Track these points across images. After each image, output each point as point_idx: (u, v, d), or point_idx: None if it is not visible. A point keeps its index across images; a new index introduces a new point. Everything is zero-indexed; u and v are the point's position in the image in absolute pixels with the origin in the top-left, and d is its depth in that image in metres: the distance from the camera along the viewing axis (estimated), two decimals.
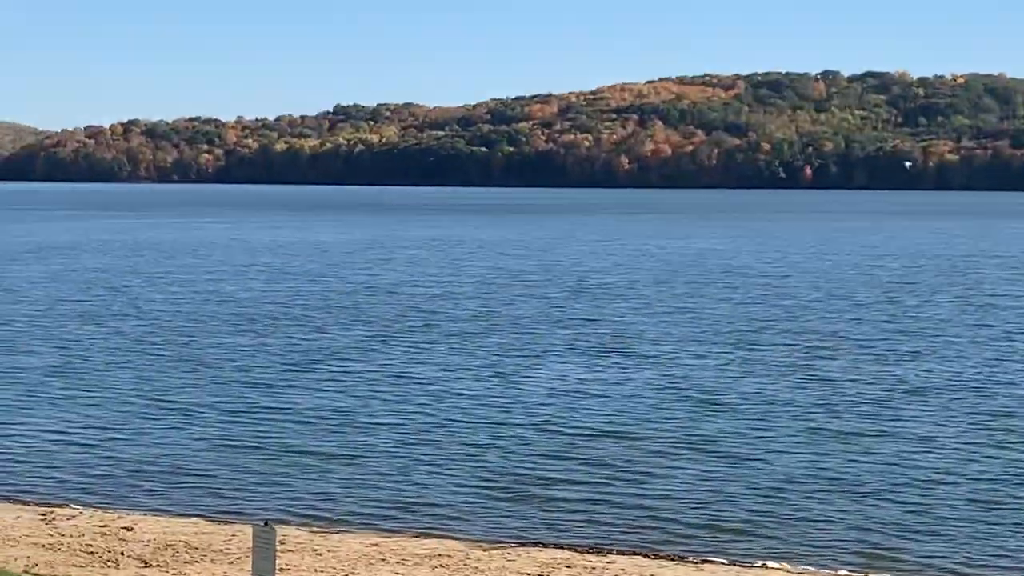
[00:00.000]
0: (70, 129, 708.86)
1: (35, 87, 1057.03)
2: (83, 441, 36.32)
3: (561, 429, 37.72)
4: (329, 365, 49.65)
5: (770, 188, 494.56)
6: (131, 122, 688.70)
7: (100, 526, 27.41)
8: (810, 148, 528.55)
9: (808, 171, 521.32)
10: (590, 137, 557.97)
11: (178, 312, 67.62)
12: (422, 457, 34.30)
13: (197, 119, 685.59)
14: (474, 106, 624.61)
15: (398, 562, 24.95)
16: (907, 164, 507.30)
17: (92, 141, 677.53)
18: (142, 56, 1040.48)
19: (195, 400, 42.29)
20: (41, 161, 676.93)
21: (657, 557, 26.01)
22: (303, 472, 32.79)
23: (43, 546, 25.55)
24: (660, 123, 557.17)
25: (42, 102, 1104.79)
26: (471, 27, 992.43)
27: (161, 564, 24.48)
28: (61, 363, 50.06)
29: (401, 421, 38.90)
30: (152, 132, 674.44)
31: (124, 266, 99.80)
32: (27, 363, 50.08)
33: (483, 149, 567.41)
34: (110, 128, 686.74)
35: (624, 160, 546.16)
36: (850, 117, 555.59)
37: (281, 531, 23.76)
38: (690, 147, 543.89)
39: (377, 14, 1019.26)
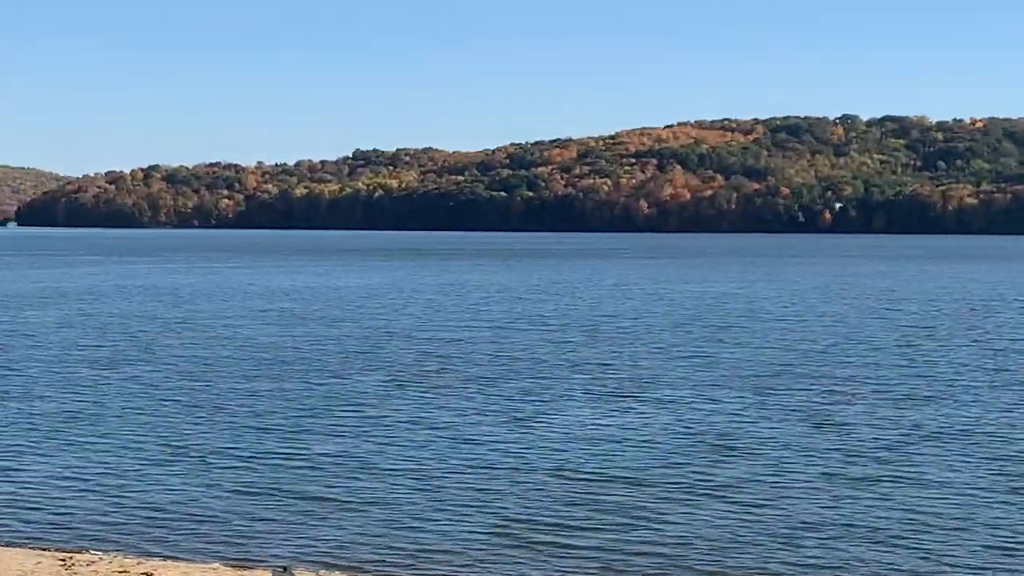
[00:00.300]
0: (91, 175, 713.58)
1: (56, 133, 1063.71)
2: (101, 487, 36.39)
3: (577, 475, 37.70)
4: (345, 410, 49.71)
5: (789, 232, 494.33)
6: (151, 168, 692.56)
7: (120, 572, 27.44)
8: (829, 192, 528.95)
9: (827, 215, 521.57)
10: (609, 182, 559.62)
11: (195, 357, 67.77)
12: (438, 503, 34.30)
13: (217, 164, 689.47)
14: (493, 151, 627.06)
15: None
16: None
17: (113, 187, 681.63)
18: (162, 102, 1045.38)
19: (211, 445, 42.36)
20: (62, 206, 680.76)
21: None
22: (320, 518, 32.81)
23: None
24: (679, 167, 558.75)
25: (63, 148, 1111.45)
26: (490, 72, 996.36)
27: None
28: (77, 409, 50.18)
29: (417, 467, 38.92)
30: (172, 177, 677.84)
31: (141, 311, 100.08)
32: (43, 409, 50.22)
33: (502, 194, 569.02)
34: (131, 174, 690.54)
35: (643, 204, 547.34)
36: (869, 161, 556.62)
37: None
38: (709, 191, 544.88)
39: (397, 59, 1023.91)
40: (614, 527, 31.84)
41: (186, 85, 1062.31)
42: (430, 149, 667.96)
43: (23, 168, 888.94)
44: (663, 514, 33.04)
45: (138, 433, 44.71)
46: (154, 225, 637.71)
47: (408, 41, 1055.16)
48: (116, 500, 34.83)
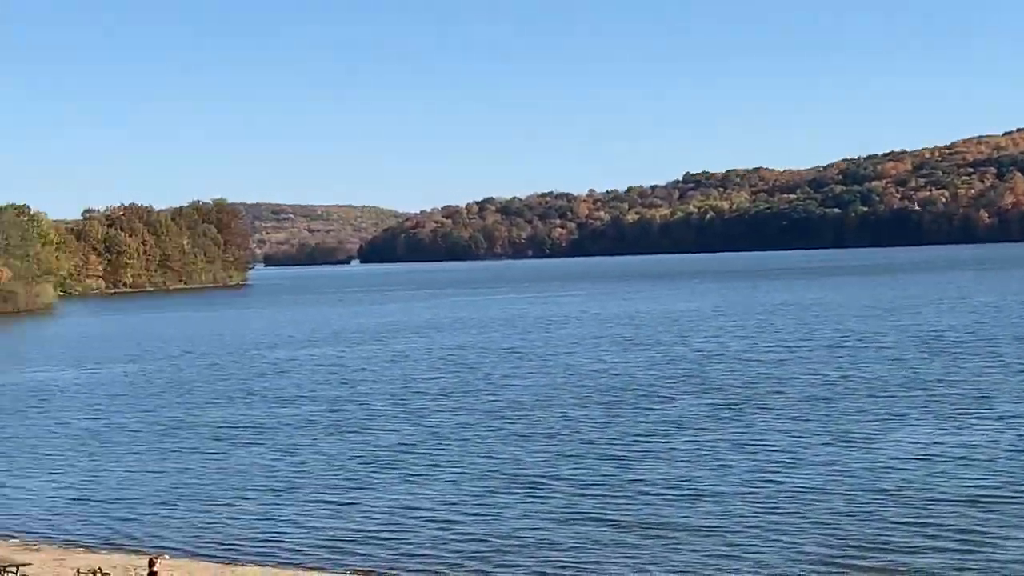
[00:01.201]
0: (428, 210, 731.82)
1: (395, 173, 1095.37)
2: (437, 516, 37.05)
3: (917, 495, 36.63)
4: (676, 434, 49.48)
5: None
6: (486, 200, 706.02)
7: None
8: None
9: None
10: (947, 193, 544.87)
11: (528, 385, 68.55)
12: (771, 526, 33.79)
13: (549, 194, 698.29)
14: (825, 167, 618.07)
15: None
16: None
17: (449, 221, 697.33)
18: (494, 139, 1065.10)
19: (542, 473, 42.70)
20: (401, 242, 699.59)
21: None
22: (650, 544, 32.67)
23: None
24: (1020, 175, 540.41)
25: (401, 186, 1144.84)
26: (819, 87, 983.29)
27: None
28: (414, 440, 51.28)
29: (749, 490, 38.43)
30: (506, 209, 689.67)
31: (477, 342, 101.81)
32: (384, 441, 51.49)
33: (835, 210, 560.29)
34: (466, 208, 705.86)
35: (983, 214, 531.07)
36: None
37: None
38: None
39: (726, 80, 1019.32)
40: (952, 550, 30.79)
41: (507, 122, 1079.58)
42: (760, 168, 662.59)
43: (364, 207, 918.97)
44: (1006, 537, 31.79)
45: (470, 463, 45.40)
46: (490, 256, 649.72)
47: (735, 61, 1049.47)
48: (446, 530, 35.39)
